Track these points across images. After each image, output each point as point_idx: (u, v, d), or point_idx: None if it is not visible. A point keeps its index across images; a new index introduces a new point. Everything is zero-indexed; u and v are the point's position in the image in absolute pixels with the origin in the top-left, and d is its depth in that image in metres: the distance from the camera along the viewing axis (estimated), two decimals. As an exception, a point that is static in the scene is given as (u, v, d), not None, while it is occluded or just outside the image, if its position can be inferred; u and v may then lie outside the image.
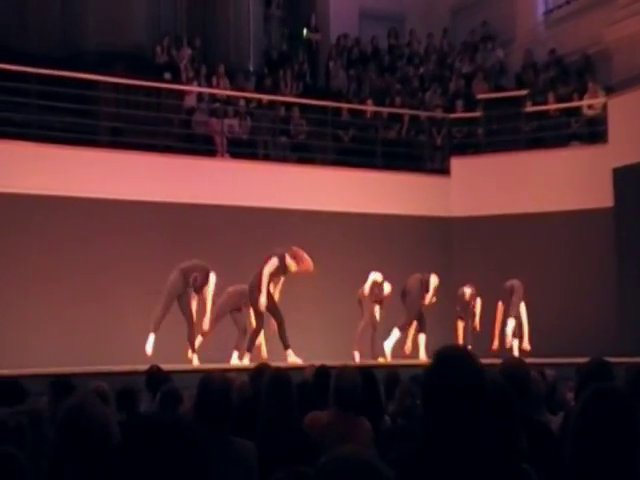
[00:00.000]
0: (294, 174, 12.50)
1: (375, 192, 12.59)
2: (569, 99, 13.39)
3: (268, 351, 9.92)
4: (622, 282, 11.79)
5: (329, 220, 12.16)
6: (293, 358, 9.66)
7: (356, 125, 13.87)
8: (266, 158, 13.03)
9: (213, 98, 13.48)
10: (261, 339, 9.92)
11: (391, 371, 6.04)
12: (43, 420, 3.81)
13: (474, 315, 11.36)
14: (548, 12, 16.00)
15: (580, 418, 2.22)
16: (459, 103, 14.14)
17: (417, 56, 16.13)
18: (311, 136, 13.68)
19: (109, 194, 10.94)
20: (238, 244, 10.29)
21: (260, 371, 5.22)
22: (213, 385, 3.45)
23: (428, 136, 14.08)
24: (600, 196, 12.09)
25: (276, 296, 9.87)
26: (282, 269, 9.79)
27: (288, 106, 13.74)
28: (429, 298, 10.83)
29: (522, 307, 11.03)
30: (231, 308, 10.13)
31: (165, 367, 7.04)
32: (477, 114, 13.91)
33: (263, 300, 9.68)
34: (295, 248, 9.84)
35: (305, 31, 16.74)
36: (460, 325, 11.46)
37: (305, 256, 9.81)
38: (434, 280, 10.79)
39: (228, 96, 13.49)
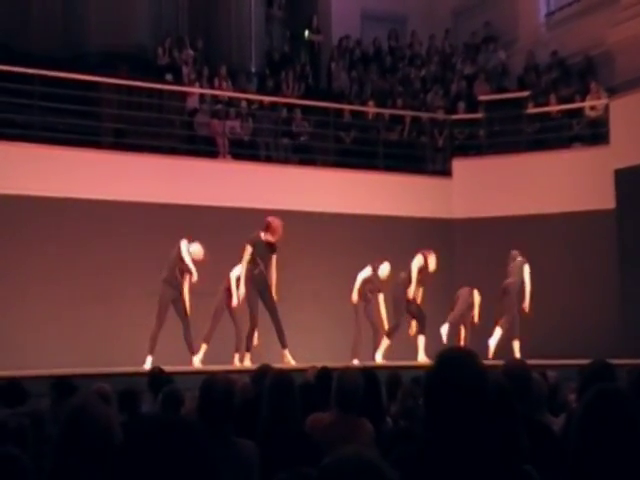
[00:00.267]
0: (296, 175, 12.50)
1: (377, 193, 12.59)
2: (571, 101, 13.38)
3: (264, 352, 9.89)
4: (624, 283, 11.78)
5: (331, 221, 12.16)
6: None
7: (358, 126, 13.87)
8: (268, 159, 13.03)
9: (215, 99, 13.48)
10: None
11: (393, 372, 6.05)
12: (45, 421, 3.81)
13: (472, 315, 11.34)
14: (550, 14, 15.99)
15: (582, 419, 2.22)
16: (461, 104, 14.14)
17: (419, 57, 16.12)
18: (313, 137, 13.68)
19: (111, 195, 10.95)
20: (240, 245, 10.26)
21: (262, 372, 5.22)
22: (216, 386, 3.45)
23: (430, 137, 14.08)
24: (602, 198, 12.08)
25: (273, 276, 9.85)
26: (261, 249, 9.80)
27: (290, 107, 13.74)
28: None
29: (526, 274, 10.94)
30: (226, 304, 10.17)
31: (167, 368, 7.04)
32: (479, 115, 13.91)
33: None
34: (268, 219, 9.87)
35: (307, 32, 16.74)
36: (461, 327, 11.45)
37: (276, 222, 9.85)
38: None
39: (230, 97, 13.50)
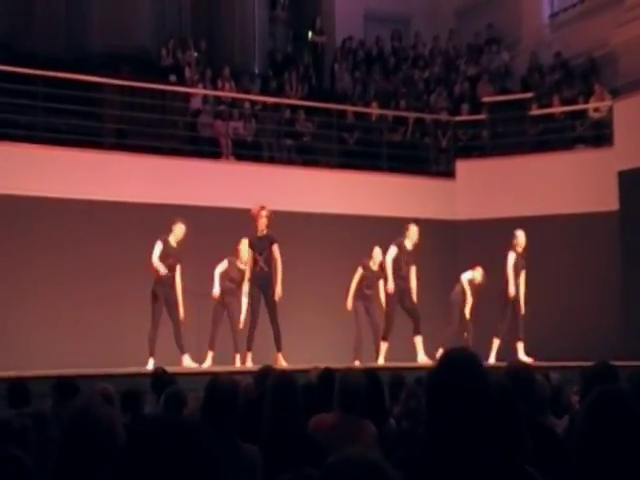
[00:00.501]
0: (299, 176, 12.50)
1: (380, 195, 12.58)
2: (575, 102, 13.37)
3: (265, 352, 9.90)
4: (627, 285, 11.77)
5: (334, 222, 12.16)
6: (249, 362, 9.73)
7: (361, 128, 13.87)
8: (271, 160, 13.03)
9: (218, 100, 13.49)
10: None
11: (396, 373, 6.04)
12: (48, 421, 3.82)
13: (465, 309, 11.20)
14: (554, 15, 15.98)
15: (585, 421, 2.21)
16: (464, 106, 14.13)
17: (422, 58, 16.12)
18: (316, 138, 13.68)
19: (114, 196, 10.96)
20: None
21: (265, 373, 5.22)
22: (221, 387, 3.45)
23: (433, 139, 14.07)
24: (605, 199, 12.07)
25: (278, 268, 9.90)
26: (257, 245, 9.89)
27: (293, 108, 13.75)
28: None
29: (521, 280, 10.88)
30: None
31: (170, 369, 7.04)
32: (482, 117, 13.90)
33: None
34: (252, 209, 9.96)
35: (310, 34, 16.75)
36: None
37: (253, 211, 9.97)
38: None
39: (233, 98, 13.51)
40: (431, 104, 14.76)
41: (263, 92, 14.30)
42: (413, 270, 10.64)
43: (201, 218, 11.00)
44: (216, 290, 9.95)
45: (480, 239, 11.95)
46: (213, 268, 10.10)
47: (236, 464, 3.21)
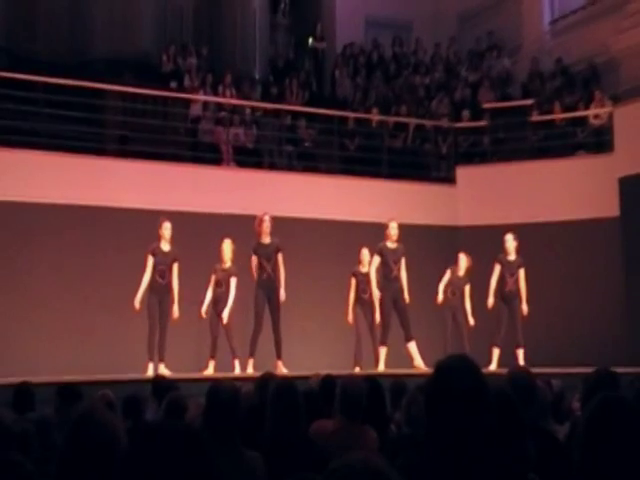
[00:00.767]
0: (299, 183, 12.50)
1: (381, 201, 12.58)
2: (575, 108, 13.39)
3: (265, 359, 9.89)
4: (629, 292, 11.77)
5: (334, 229, 12.16)
6: (250, 368, 9.77)
7: (362, 134, 13.88)
8: (272, 167, 13.05)
9: (219, 107, 13.51)
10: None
11: (397, 380, 6.04)
12: (51, 427, 3.82)
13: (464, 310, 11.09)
14: (554, 21, 16.01)
15: (587, 428, 2.22)
16: (465, 112, 14.15)
17: (423, 65, 16.14)
18: (317, 145, 13.70)
19: (115, 202, 10.96)
20: (244, 252, 10.28)
21: (266, 380, 5.22)
22: (222, 394, 3.44)
23: (434, 145, 14.08)
24: (606, 206, 12.07)
25: (281, 275, 9.94)
26: (262, 252, 9.97)
27: (294, 115, 13.76)
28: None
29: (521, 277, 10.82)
30: None
31: (171, 375, 7.05)
32: (483, 123, 13.91)
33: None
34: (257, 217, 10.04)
35: (310, 40, 16.78)
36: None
37: (256, 220, 10.02)
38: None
39: (234, 105, 13.53)
40: (432, 110, 14.78)
41: (264, 98, 14.32)
42: (402, 266, 10.57)
43: (202, 224, 11.01)
44: (205, 304, 9.97)
45: (481, 245, 11.94)
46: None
47: (238, 471, 3.21)
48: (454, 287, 11.09)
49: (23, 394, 5.16)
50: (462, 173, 13.54)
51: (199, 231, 10.87)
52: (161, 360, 9.57)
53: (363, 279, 10.61)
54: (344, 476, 1.58)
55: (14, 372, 8.66)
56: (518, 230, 11.29)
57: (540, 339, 11.33)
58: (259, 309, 9.97)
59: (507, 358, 10.54)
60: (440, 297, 11.01)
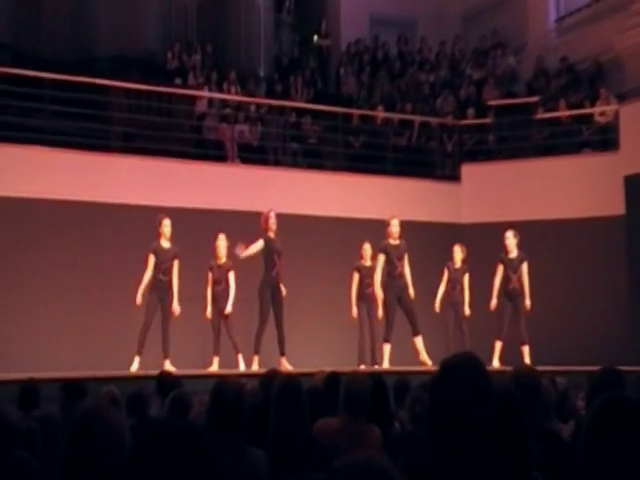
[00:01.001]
0: (304, 180, 12.51)
1: (385, 198, 12.58)
2: (581, 106, 13.36)
3: (269, 356, 9.90)
4: (633, 290, 11.75)
5: (339, 226, 12.17)
6: (255, 365, 9.78)
7: (367, 131, 13.87)
8: (276, 164, 13.05)
9: (224, 104, 13.51)
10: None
11: (401, 378, 6.04)
12: (55, 424, 3.82)
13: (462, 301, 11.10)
14: (560, 19, 15.97)
15: (591, 426, 2.21)
16: (470, 110, 14.13)
17: (428, 62, 16.13)
18: (322, 142, 13.70)
19: (120, 199, 10.98)
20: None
21: (270, 377, 5.21)
22: (226, 391, 3.44)
23: (439, 143, 14.07)
24: (611, 204, 12.06)
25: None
26: (271, 249, 9.96)
27: (299, 112, 13.76)
28: None
29: (525, 276, 10.81)
30: None
31: (175, 372, 7.05)
32: (488, 121, 13.90)
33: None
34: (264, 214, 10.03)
35: (315, 37, 16.77)
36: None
37: (262, 216, 10.03)
38: None
39: (239, 102, 13.53)
40: (437, 108, 14.77)
41: (269, 96, 14.32)
42: (406, 262, 10.57)
43: (206, 221, 11.02)
44: (209, 304, 10.00)
45: (485, 243, 11.93)
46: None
47: (242, 468, 3.21)
48: (454, 281, 11.09)
49: (28, 392, 5.17)
50: (467, 171, 13.53)
51: (204, 228, 10.86)
52: (166, 357, 9.59)
53: (366, 273, 10.61)
54: (348, 475, 1.58)
55: (19, 368, 8.70)
56: (523, 228, 11.27)
57: (544, 337, 11.31)
58: (265, 306, 9.97)
59: (511, 356, 10.53)
60: (438, 303, 11.03)
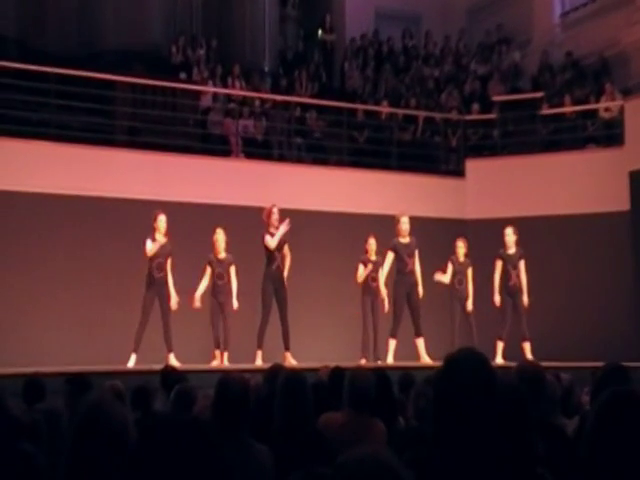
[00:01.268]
0: (309, 175, 12.50)
1: (390, 193, 12.57)
2: (586, 102, 13.33)
3: (273, 350, 9.90)
4: (638, 285, 11.73)
5: (343, 221, 12.17)
6: (259, 360, 9.78)
7: (371, 126, 13.86)
8: (281, 159, 13.04)
9: (228, 98, 13.51)
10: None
11: (406, 373, 6.04)
12: (60, 418, 3.83)
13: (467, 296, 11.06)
14: (565, 14, 15.93)
15: (596, 422, 2.21)
16: (475, 105, 14.11)
17: (433, 57, 16.10)
18: (326, 137, 13.68)
19: (124, 193, 10.99)
20: (254, 244, 10.30)
21: (275, 372, 5.22)
22: (231, 385, 3.44)
23: (443, 138, 14.05)
24: (616, 199, 12.03)
25: (288, 264, 10.04)
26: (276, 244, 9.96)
27: (303, 107, 13.75)
28: None
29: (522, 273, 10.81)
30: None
31: (180, 366, 7.06)
32: (493, 116, 13.87)
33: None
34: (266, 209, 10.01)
35: (320, 32, 16.75)
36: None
37: (264, 211, 10.02)
38: None
39: (243, 96, 13.52)
40: (441, 103, 14.74)
41: (273, 90, 14.31)
42: (417, 260, 10.59)
43: (211, 216, 11.02)
44: (200, 292, 9.95)
45: (490, 238, 11.91)
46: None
47: (246, 463, 3.21)
48: (460, 275, 11.07)
49: (33, 386, 5.18)
50: (471, 166, 13.51)
51: (208, 223, 10.86)
52: (169, 351, 9.60)
53: (372, 268, 10.61)
54: (353, 470, 1.58)
55: (24, 362, 8.72)
56: (527, 223, 11.27)
57: (549, 333, 11.31)
58: (267, 300, 9.98)
59: (513, 351, 10.53)
60: (448, 278, 10.97)
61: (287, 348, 9.99)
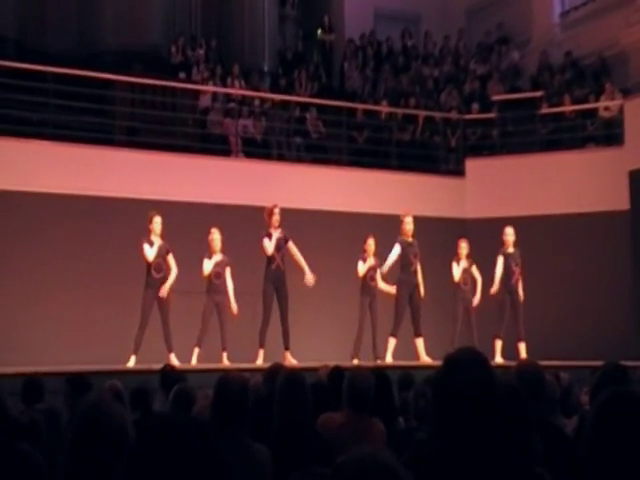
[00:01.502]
0: (308, 174, 12.50)
1: (389, 193, 12.57)
2: (585, 101, 13.33)
3: (273, 350, 9.89)
4: (638, 285, 11.74)
5: (342, 220, 12.16)
6: (260, 360, 9.78)
7: (371, 126, 13.86)
8: (280, 158, 13.04)
9: (228, 98, 13.51)
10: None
11: (405, 372, 6.05)
12: (60, 417, 3.83)
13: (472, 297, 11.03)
14: (564, 14, 15.93)
15: (595, 421, 2.21)
16: (474, 104, 14.11)
17: (432, 57, 16.11)
18: (326, 137, 13.68)
19: (124, 193, 10.99)
20: (253, 244, 10.30)
21: (274, 371, 5.22)
22: (231, 385, 3.44)
23: (443, 137, 14.05)
24: (616, 199, 12.04)
25: (300, 261, 10.04)
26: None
27: (303, 106, 13.75)
28: None
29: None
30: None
31: (179, 366, 7.06)
32: (492, 116, 13.88)
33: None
34: (267, 208, 10.00)
35: (319, 32, 16.75)
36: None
37: (265, 211, 9.99)
38: None
39: (243, 96, 13.52)
40: (441, 103, 14.75)
41: (273, 90, 14.31)
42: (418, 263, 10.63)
43: (210, 216, 11.02)
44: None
45: (489, 238, 11.92)
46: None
47: (246, 463, 3.21)
48: (466, 275, 11.06)
49: (32, 386, 5.18)
50: (471, 166, 13.51)
51: (207, 222, 10.86)
52: (170, 351, 9.60)
53: (371, 266, 10.60)
54: (352, 470, 1.58)
55: (23, 362, 8.71)
56: (527, 223, 11.28)
57: (548, 332, 11.31)
58: (268, 301, 9.98)
59: (510, 351, 10.54)
60: (457, 276, 10.95)
61: (287, 348, 9.99)
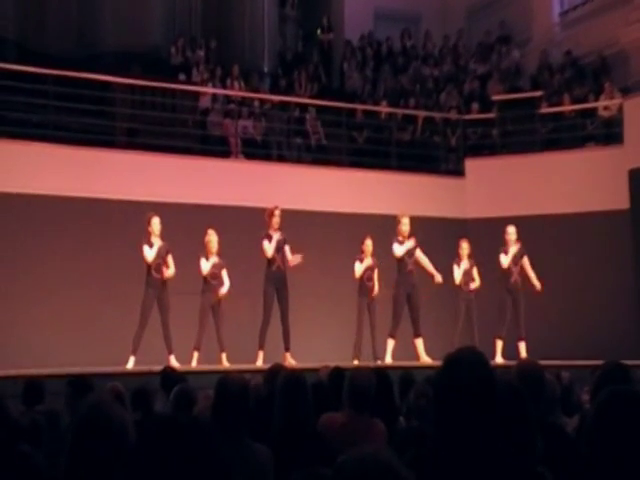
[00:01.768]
0: (308, 175, 12.50)
1: (389, 193, 12.57)
2: (585, 100, 13.33)
3: (273, 351, 9.89)
4: (638, 284, 11.73)
5: (343, 221, 12.16)
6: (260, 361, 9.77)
7: (371, 126, 13.86)
8: (280, 159, 13.04)
9: (228, 99, 13.51)
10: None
11: (406, 372, 6.05)
12: (60, 419, 3.83)
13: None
14: (564, 13, 15.93)
15: (596, 420, 2.21)
16: (474, 104, 14.11)
17: (432, 57, 16.10)
18: (325, 137, 13.68)
19: (124, 195, 10.99)
20: (253, 245, 10.30)
21: (275, 372, 5.22)
22: (231, 386, 3.44)
23: (443, 137, 14.05)
24: (616, 198, 12.03)
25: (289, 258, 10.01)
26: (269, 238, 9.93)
27: (302, 107, 13.75)
28: None
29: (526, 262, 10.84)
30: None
31: (180, 368, 7.06)
32: (492, 115, 13.87)
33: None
34: (268, 209, 10.00)
35: (319, 32, 16.76)
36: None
37: (266, 212, 9.99)
38: None
39: (243, 97, 13.52)
40: (441, 103, 14.74)
41: (272, 91, 14.31)
42: (420, 257, 10.62)
43: (210, 217, 11.02)
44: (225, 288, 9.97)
45: (490, 238, 11.92)
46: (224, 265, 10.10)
47: (246, 464, 3.21)
48: (467, 276, 11.06)
49: (33, 387, 5.18)
50: (471, 165, 13.51)
51: (207, 224, 10.86)
52: (170, 352, 9.60)
53: (369, 267, 10.60)
54: (354, 470, 1.58)
55: (24, 364, 8.72)
56: (527, 222, 11.27)
57: (549, 332, 11.31)
58: (269, 301, 9.98)
59: (511, 351, 10.54)
60: (458, 279, 10.96)
61: (287, 348, 9.99)
